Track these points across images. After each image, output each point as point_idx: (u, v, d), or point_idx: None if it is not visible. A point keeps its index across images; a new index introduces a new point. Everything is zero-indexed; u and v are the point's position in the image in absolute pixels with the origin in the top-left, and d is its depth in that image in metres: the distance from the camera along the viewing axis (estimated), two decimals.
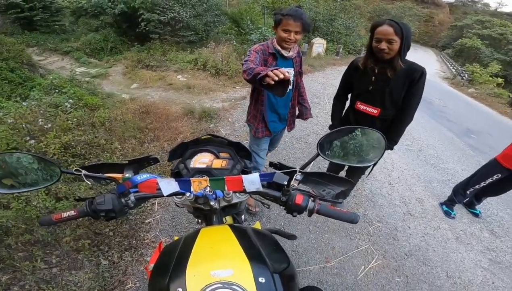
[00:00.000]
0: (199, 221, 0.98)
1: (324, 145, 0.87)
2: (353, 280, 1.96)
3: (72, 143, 2.69)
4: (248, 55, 1.64)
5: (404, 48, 1.57)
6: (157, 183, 0.71)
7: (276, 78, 1.08)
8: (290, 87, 1.61)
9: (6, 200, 1.96)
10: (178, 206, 0.87)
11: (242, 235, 0.71)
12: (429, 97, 8.44)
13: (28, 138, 2.66)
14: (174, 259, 0.63)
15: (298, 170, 0.78)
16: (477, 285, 2.11)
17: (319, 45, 11.44)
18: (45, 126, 2.87)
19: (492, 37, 29.37)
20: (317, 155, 0.85)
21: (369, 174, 2.38)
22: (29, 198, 2.00)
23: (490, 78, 17.50)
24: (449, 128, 5.96)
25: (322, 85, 6.83)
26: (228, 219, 1.13)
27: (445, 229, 2.62)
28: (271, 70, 1.11)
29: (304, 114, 2.19)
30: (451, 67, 21.63)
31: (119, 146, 2.92)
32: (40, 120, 2.93)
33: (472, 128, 6.44)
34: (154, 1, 8.77)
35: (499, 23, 33.99)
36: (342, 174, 2.55)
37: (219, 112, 4.39)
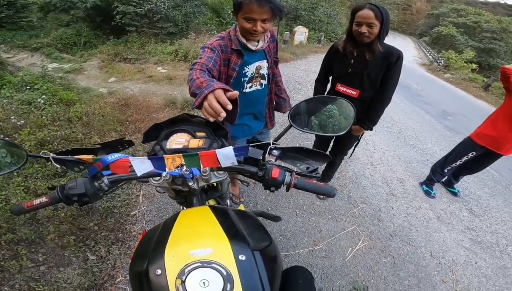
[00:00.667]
0: (184, 208, 0.96)
1: (295, 116, 0.87)
2: (341, 262, 1.99)
3: (48, 139, 2.61)
4: (200, 55, 1.24)
5: (383, 32, 1.61)
6: (130, 162, 0.69)
7: (211, 119, 0.73)
8: (264, 82, 1.52)
9: None
10: (158, 191, 0.85)
11: (222, 215, 0.70)
12: (407, 82, 8.67)
13: (1, 136, 2.55)
14: (153, 243, 0.63)
15: (271, 142, 0.76)
16: (461, 265, 2.17)
17: (301, 33, 11.50)
18: (18, 123, 2.79)
19: (467, 25, 30.29)
20: (290, 126, 0.85)
21: (351, 155, 2.44)
22: (8, 196, 1.95)
23: (465, 64, 18.17)
24: (426, 111, 6.17)
25: (304, 72, 6.86)
26: (212, 202, 1.12)
27: (426, 209, 2.71)
28: (207, 95, 0.74)
29: (283, 107, 1.81)
30: (428, 54, 22.33)
31: (98, 140, 2.83)
32: (12, 117, 2.86)
33: (448, 110, 6.69)
34: None
35: (474, 11, 35.11)
36: (322, 167, 2.59)
37: None
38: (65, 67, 6.55)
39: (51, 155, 0.71)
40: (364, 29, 1.58)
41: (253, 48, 1.35)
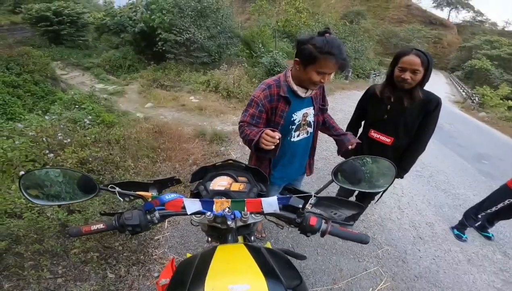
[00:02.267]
0: (209, 239, 1.03)
1: (337, 173, 0.94)
2: None
3: (89, 159, 2.75)
4: (244, 114, 1.36)
5: (426, 78, 1.57)
6: (183, 202, 0.77)
7: (272, 146, 1.14)
8: (311, 130, 1.55)
9: (19, 210, 2.01)
10: (193, 224, 0.92)
11: (256, 252, 0.73)
12: (440, 122, 8.14)
13: (47, 151, 2.74)
14: (192, 274, 0.66)
15: (313, 194, 0.83)
16: None
17: None
18: (64, 141, 2.95)
19: (501, 58, 28.99)
20: (331, 181, 0.92)
21: (378, 199, 2.38)
22: (43, 209, 2.04)
23: (501, 101, 17.31)
24: (459, 154, 5.88)
25: (331, 110, 6.61)
26: (240, 239, 1.16)
27: (456, 252, 2.57)
28: (261, 135, 1.16)
29: (346, 141, 1.60)
30: (461, 90, 21.55)
31: (132, 164, 2.97)
32: (59, 134, 3.03)
33: (484, 153, 6.33)
34: (172, 21, 9.26)
35: (508, 42, 33.43)
36: (352, 199, 2.57)
37: (230, 135, 4.43)
38: (109, 89, 7.17)
39: (117, 189, 0.80)
40: (407, 75, 1.54)
41: (303, 95, 1.37)
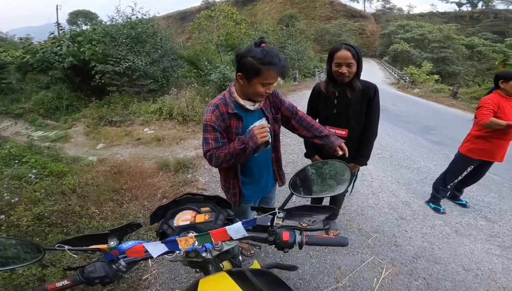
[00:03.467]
0: (197, 270, 0.97)
1: (295, 184, 0.95)
2: None
3: (46, 214, 2.56)
4: (207, 142, 1.32)
5: (360, 69, 1.71)
6: (144, 247, 0.73)
7: (267, 138, 1.21)
8: (269, 139, 1.51)
9: None
10: (171, 261, 0.89)
11: (241, 279, 0.72)
12: (383, 104, 9.06)
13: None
14: None
15: (277, 210, 0.82)
16: (500, 272, 2.14)
17: None
18: (12, 200, 2.75)
19: (415, 39, 32.77)
20: (291, 194, 0.92)
21: (351, 191, 2.46)
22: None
23: (428, 77, 19.53)
24: (409, 130, 6.45)
25: None
26: (225, 264, 1.13)
27: (441, 225, 2.71)
28: (255, 134, 1.20)
29: (332, 146, 1.52)
30: (393, 73, 23.95)
31: (96, 210, 2.76)
32: (5, 194, 2.81)
33: (429, 125, 7.02)
34: (105, 52, 8.70)
35: (416, 24, 38.31)
36: (327, 201, 2.61)
37: (194, 161, 4.30)
38: (50, 135, 6.47)
39: (67, 247, 0.74)
40: (344, 69, 1.66)
41: (251, 108, 1.36)
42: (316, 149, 2.14)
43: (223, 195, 1.60)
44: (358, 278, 2.07)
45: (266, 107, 1.47)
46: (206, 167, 4.06)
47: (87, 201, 2.93)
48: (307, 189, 0.98)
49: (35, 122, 7.89)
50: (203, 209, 0.91)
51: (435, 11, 67.70)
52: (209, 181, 3.66)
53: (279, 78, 1.30)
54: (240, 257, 1.22)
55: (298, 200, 2.86)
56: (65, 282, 0.71)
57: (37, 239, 2.28)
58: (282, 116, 1.57)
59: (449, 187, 2.85)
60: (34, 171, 3.48)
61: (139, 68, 8.54)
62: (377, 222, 2.75)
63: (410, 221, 2.78)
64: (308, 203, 2.55)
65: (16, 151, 4.08)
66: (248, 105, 1.35)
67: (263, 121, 1.45)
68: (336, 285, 2.01)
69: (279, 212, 0.82)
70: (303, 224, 0.98)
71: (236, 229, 0.74)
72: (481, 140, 2.53)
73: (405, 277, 2.08)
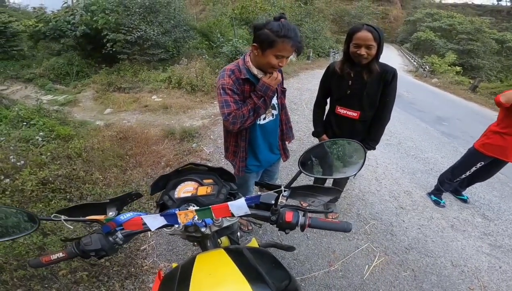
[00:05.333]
0: (195, 244, 0.97)
1: (305, 162, 0.89)
2: (359, 280, 1.96)
3: (50, 178, 2.58)
4: (227, 104, 1.35)
5: (380, 52, 1.63)
6: (143, 220, 0.71)
7: (279, 79, 1.36)
8: (276, 112, 1.58)
9: None
10: (170, 234, 0.86)
11: (238, 256, 0.71)
12: (399, 91, 8.70)
13: (2, 177, 2.55)
14: (175, 289, 0.63)
15: (283, 188, 0.78)
16: (485, 271, 2.15)
17: None
18: (18, 163, 2.76)
19: (442, 29, 31.31)
20: (300, 172, 0.87)
21: (355, 174, 2.44)
22: None
23: (449, 68, 18.72)
24: (421, 119, 6.27)
25: (298, 91, 6.93)
26: (223, 240, 1.12)
27: (439, 219, 2.69)
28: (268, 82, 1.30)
29: (290, 137, 1.80)
30: (413, 61, 22.97)
31: (100, 176, 2.80)
32: (11, 157, 2.83)
33: (442, 116, 6.81)
34: (118, 21, 8.58)
35: (446, 14, 36.39)
36: (329, 182, 2.58)
37: (199, 130, 4.31)
38: (59, 99, 6.51)
39: (63, 217, 0.72)
40: (363, 51, 1.59)
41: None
42: (324, 127, 2.10)
43: (226, 167, 1.60)
44: (350, 263, 2.10)
45: None
46: (211, 137, 4.07)
47: (92, 166, 2.97)
48: (316, 168, 0.93)
49: (45, 86, 7.93)
50: (205, 181, 0.88)
51: (470, 2, 63.59)
52: (214, 151, 3.68)
53: (292, 56, 1.33)
54: (238, 233, 1.21)
55: (301, 179, 2.85)
56: (60, 254, 0.70)
57: (40, 205, 2.30)
58: None
59: (455, 181, 2.77)
60: (41, 133, 3.53)
61: (150, 38, 8.44)
62: (377, 209, 2.74)
63: (409, 211, 2.75)
64: (311, 183, 2.54)
65: (24, 113, 4.12)
66: (260, 75, 1.38)
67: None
68: (328, 268, 2.03)
69: (284, 190, 0.78)
70: (304, 204, 0.96)
71: (239, 206, 0.72)
72: (497, 136, 2.41)
73: (395, 267, 2.10)
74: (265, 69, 1.36)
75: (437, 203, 2.88)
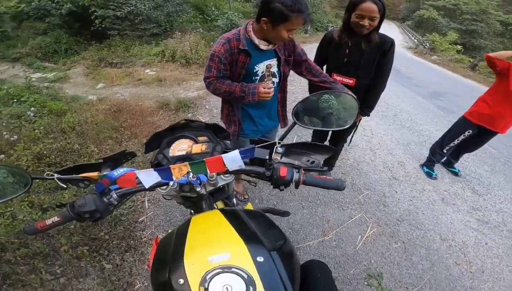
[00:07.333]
0: (192, 211, 0.97)
1: (299, 113, 0.89)
2: (352, 250, 2.00)
3: (45, 152, 2.58)
4: (209, 69, 1.40)
5: (381, 23, 1.65)
6: (136, 175, 0.69)
7: (270, 95, 1.37)
8: (276, 80, 1.58)
9: None
10: (165, 198, 0.86)
11: (233, 217, 0.71)
12: (397, 66, 8.75)
13: (2, 156, 2.57)
14: (171, 252, 0.64)
15: (277, 141, 0.77)
16: (471, 246, 2.18)
17: None
18: (11, 139, 2.77)
19: (446, 8, 30.36)
20: (294, 123, 0.87)
21: (350, 141, 2.45)
22: (14, 213, 1.94)
23: (450, 46, 18.38)
24: (418, 93, 6.26)
25: None
26: (219, 204, 1.13)
27: (430, 191, 2.73)
28: (258, 92, 1.35)
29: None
30: (413, 38, 22.49)
31: (95, 149, 2.79)
32: (4, 133, 2.82)
33: (440, 91, 6.79)
34: None
35: None
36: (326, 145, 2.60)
37: (195, 101, 4.29)
38: (49, 77, 6.30)
39: (56, 175, 0.70)
40: (366, 22, 1.60)
41: (264, 48, 1.39)
42: None
43: None
44: (344, 233, 2.14)
45: (280, 49, 1.50)
46: (207, 106, 4.06)
47: (86, 139, 2.96)
48: (310, 120, 0.93)
49: (33, 65, 7.66)
50: (200, 138, 0.87)
51: None
52: (209, 120, 3.66)
53: None
54: (234, 200, 1.22)
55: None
56: (55, 218, 0.68)
57: (37, 180, 2.31)
58: (294, 60, 1.59)
59: (445, 151, 2.80)
60: (33, 108, 3.49)
61: (141, 12, 8.07)
62: (371, 179, 2.77)
63: (402, 182, 2.79)
64: (309, 141, 2.56)
65: (14, 91, 4.03)
66: (263, 45, 1.38)
67: (273, 62, 1.50)
68: (322, 238, 2.07)
69: (279, 143, 0.77)
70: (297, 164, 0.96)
71: (233, 158, 0.70)
72: (484, 104, 2.46)
73: (386, 238, 2.14)
74: (274, 41, 1.37)
75: (429, 175, 2.92)
